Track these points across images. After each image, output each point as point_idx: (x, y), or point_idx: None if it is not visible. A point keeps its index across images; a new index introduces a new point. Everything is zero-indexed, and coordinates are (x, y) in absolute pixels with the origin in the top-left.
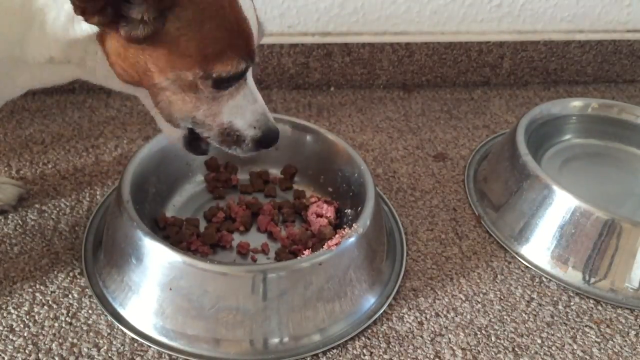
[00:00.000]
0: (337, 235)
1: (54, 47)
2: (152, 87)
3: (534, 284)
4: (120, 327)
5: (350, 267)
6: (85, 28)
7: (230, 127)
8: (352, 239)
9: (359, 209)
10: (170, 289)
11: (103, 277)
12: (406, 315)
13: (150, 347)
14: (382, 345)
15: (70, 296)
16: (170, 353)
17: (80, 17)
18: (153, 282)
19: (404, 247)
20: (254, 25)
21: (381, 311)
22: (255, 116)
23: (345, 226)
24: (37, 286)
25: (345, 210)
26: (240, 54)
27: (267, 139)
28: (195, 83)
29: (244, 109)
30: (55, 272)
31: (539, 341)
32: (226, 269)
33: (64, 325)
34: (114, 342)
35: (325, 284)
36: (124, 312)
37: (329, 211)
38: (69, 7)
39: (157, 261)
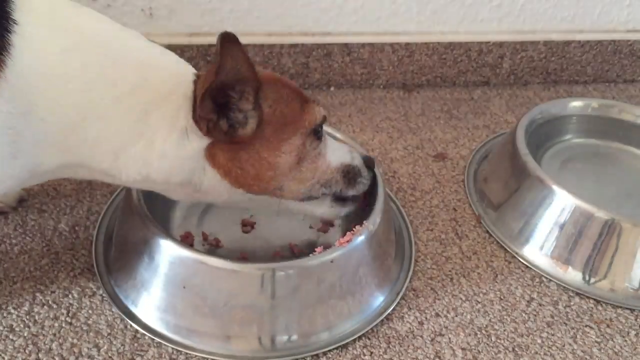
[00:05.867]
0: (348, 233)
1: (157, 166)
2: (271, 178)
3: (534, 284)
4: (133, 324)
5: (360, 265)
6: (196, 145)
7: (344, 166)
8: (362, 237)
9: (368, 207)
10: (184, 287)
11: (114, 276)
12: (406, 315)
13: (150, 347)
14: (382, 345)
15: (70, 296)
16: (182, 350)
17: (199, 136)
18: (165, 279)
19: (412, 246)
20: None
21: (390, 310)
22: (346, 149)
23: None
24: (37, 286)
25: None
26: (311, 100)
27: (370, 160)
28: (304, 144)
29: (338, 148)
30: (55, 272)
31: (539, 341)
32: (237, 266)
33: (64, 325)
34: (114, 342)
35: (335, 282)
36: (135, 310)
37: None
38: (182, 124)
39: (169, 259)
